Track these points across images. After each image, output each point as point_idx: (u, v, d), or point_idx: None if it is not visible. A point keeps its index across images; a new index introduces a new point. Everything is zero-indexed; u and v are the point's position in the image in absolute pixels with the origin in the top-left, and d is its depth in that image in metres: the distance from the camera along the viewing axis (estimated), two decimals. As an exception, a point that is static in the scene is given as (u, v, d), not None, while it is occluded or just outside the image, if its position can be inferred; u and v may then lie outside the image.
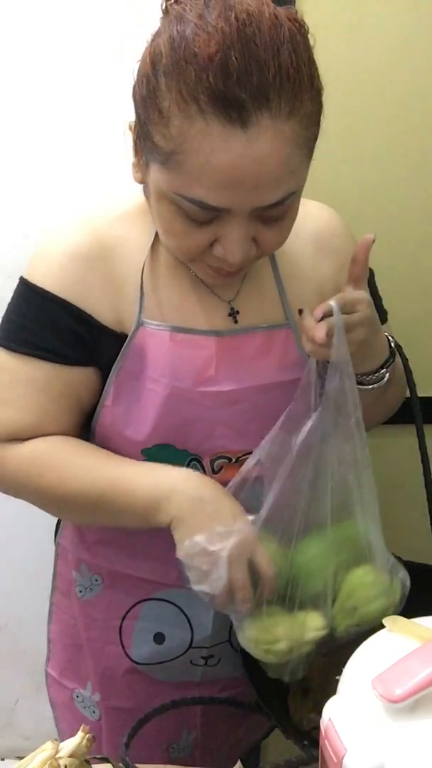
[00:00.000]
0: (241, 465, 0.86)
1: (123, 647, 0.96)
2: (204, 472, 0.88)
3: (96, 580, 0.96)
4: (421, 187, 1.33)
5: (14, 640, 1.66)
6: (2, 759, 1.71)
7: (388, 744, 0.51)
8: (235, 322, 0.87)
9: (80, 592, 0.98)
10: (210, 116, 0.65)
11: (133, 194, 0.88)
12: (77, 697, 1.01)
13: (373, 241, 0.81)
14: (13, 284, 0.88)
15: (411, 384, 0.92)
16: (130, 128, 0.76)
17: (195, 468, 0.88)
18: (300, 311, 0.80)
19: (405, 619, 0.64)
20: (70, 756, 0.69)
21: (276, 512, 0.78)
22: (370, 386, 0.85)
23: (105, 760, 0.77)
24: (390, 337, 0.88)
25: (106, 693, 0.98)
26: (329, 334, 0.75)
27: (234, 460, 0.89)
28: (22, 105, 1.31)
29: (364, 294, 0.80)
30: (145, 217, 0.86)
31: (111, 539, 0.94)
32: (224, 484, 0.86)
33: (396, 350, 0.88)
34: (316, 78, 0.71)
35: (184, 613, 0.94)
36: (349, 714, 0.54)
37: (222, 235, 0.73)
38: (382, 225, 1.33)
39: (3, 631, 1.66)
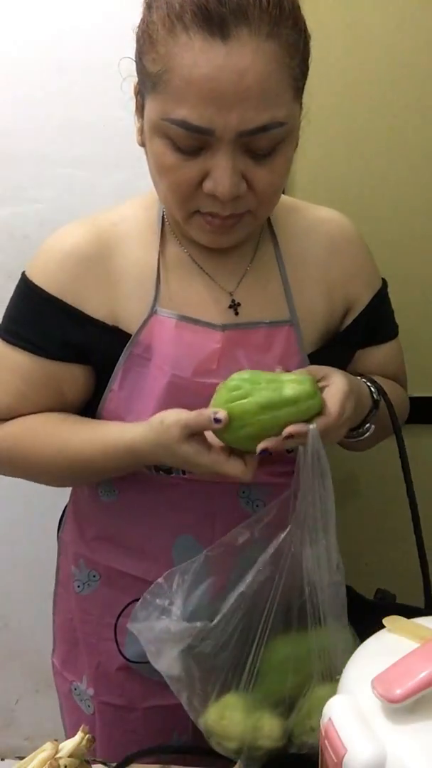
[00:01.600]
0: None
1: (117, 644, 0.96)
2: None
3: (93, 576, 0.98)
4: (421, 187, 1.33)
5: (14, 641, 1.66)
6: (2, 759, 1.71)
7: (388, 744, 0.51)
8: (236, 314, 0.88)
9: (78, 586, 0.99)
10: (193, 31, 0.69)
11: (135, 200, 0.92)
12: (75, 689, 1.02)
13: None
14: (13, 284, 0.90)
15: (394, 420, 0.90)
16: (135, 90, 0.79)
17: None
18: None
19: (405, 619, 0.64)
20: (70, 756, 0.69)
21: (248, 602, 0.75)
22: (355, 439, 0.88)
23: (104, 762, 0.77)
24: (371, 387, 0.88)
25: (99, 688, 0.98)
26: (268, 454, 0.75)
27: None
28: (22, 105, 1.31)
29: (335, 406, 0.77)
30: (148, 216, 0.89)
31: (108, 536, 0.95)
32: (224, 483, 0.86)
33: (380, 397, 0.88)
34: (299, 15, 0.74)
35: None
36: (349, 714, 0.54)
37: (210, 167, 0.74)
38: (382, 225, 1.33)
39: (3, 631, 1.66)
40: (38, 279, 0.87)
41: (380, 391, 0.89)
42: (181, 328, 0.86)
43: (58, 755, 0.68)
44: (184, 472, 0.89)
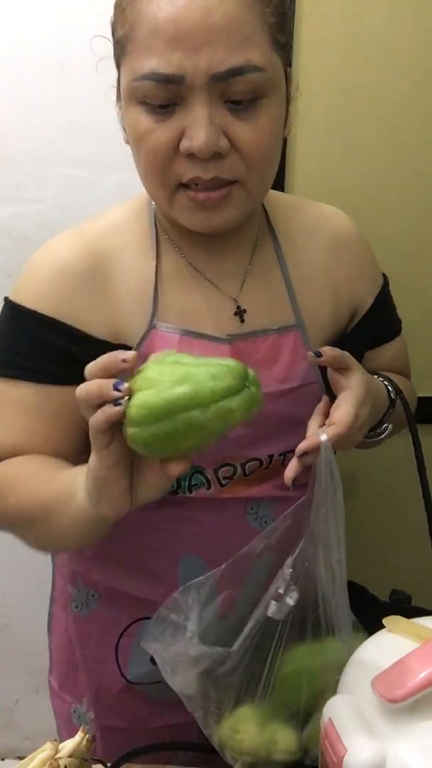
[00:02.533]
0: (246, 475, 0.84)
1: (119, 666, 0.92)
2: (208, 483, 0.84)
3: (92, 596, 0.93)
4: (421, 187, 1.33)
5: (14, 640, 1.66)
6: (2, 759, 1.71)
7: (388, 744, 0.51)
8: (242, 321, 0.84)
9: (76, 607, 0.94)
10: None
11: (126, 204, 0.87)
12: (74, 712, 0.98)
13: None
14: (13, 284, 0.86)
15: (411, 421, 0.88)
16: (116, 92, 0.77)
17: (197, 479, 0.84)
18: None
19: (405, 619, 0.64)
20: (70, 756, 0.69)
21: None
22: (372, 440, 0.86)
23: (104, 762, 0.77)
24: (388, 387, 0.86)
25: (99, 712, 0.95)
26: (297, 475, 0.73)
27: (239, 468, 0.85)
28: (22, 105, 1.31)
29: (348, 414, 0.75)
30: (139, 220, 0.84)
31: (108, 554, 0.89)
32: (232, 499, 0.84)
33: (396, 396, 0.86)
34: None
35: None
36: (349, 714, 0.54)
37: (187, 124, 0.70)
38: (382, 225, 1.33)
39: (3, 631, 1.66)
40: (30, 301, 0.80)
41: (397, 390, 0.87)
42: (185, 344, 0.80)
43: (58, 755, 0.68)
44: (190, 490, 0.84)
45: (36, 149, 1.33)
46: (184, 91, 0.69)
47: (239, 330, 0.83)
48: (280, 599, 0.71)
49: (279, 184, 1.28)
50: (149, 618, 0.87)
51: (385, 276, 0.99)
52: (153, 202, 0.84)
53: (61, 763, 0.67)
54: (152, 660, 0.88)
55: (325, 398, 0.81)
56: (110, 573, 0.91)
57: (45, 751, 0.68)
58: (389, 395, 0.86)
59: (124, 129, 0.77)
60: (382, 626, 0.65)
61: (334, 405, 0.78)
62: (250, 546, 0.76)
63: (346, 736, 0.52)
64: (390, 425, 0.87)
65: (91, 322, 0.80)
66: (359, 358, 0.93)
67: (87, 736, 0.71)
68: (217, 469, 0.84)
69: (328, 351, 0.77)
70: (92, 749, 0.71)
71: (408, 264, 1.35)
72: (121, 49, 0.72)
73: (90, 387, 0.59)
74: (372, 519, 1.41)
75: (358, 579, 0.85)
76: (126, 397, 0.58)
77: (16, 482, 0.78)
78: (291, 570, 0.72)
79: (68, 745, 0.70)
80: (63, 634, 0.98)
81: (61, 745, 0.69)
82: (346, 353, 0.79)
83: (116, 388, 0.58)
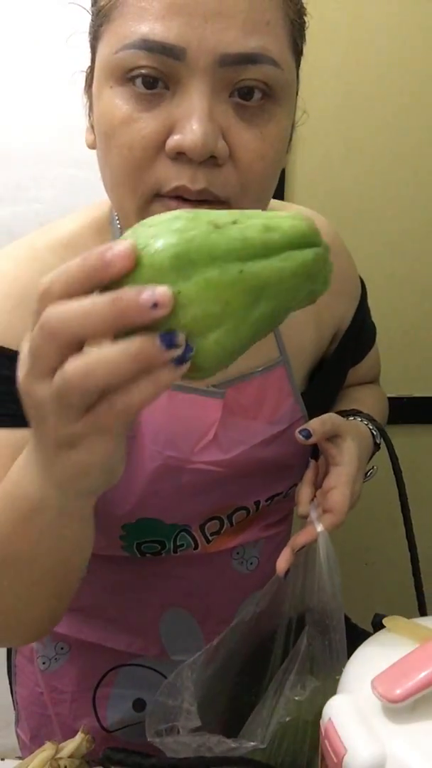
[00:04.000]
0: (232, 526, 0.80)
1: (98, 719, 0.84)
2: (195, 541, 0.78)
3: (62, 649, 0.83)
4: (421, 187, 1.33)
5: (14, 641, 1.65)
6: (2, 759, 1.71)
7: (388, 744, 0.51)
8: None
9: (43, 663, 0.85)
10: None
11: (83, 215, 0.75)
12: None
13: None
14: None
15: (394, 462, 0.83)
16: (86, 73, 0.64)
17: (183, 539, 0.77)
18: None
19: (405, 619, 0.64)
20: (70, 756, 0.69)
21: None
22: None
23: (103, 763, 0.76)
24: (373, 431, 0.81)
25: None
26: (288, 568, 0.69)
27: (225, 521, 0.79)
28: (22, 105, 1.31)
29: (345, 498, 0.71)
30: (101, 237, 0.71)
31: (80, 607, 0.80)
32: (216, 553, 0.79)
33: (381, 440, 0.82)
34: None
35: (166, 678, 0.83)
36: (349, 714, 0.54)
37: (177, 117, 0.55)
38: (382, 225, 1.33)
39: (3, 631, 1.66)
40: None
41: (381, 431, 0.82)
42: (174, 401, 0.70)
43: (58, 755, 0.68)
44: (175, 551, 0.77)
45: (36, 149, 1.33)
46: (182, 72, 0.54)
47: (225, 377, 0.73)
48: (297, 694, 0.69)
49: (279, 185, 1.28)
50: (128, 665, 0.83)
51: (362, 281, 0.91)
52: (117, 221, 0.72)
53: (61, 763, 0.67)
54: (134, 707, 0.84)
55: (313, 463, 0.77)
56: (81, 626, 0.82)
57: (45, 751, 0.68)
58: (374, 440, 0.82)
59: (91, 126, 0.63)
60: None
61: (326, 483, 0.72)
62: (238, 618, 0.74)
63: (346, 736, 0.52)
64: (376, 467, 0.83)
65: None
66: (343, 377, 0.89)
67: (87, 736, 0.71)
68: (203, 525, 0.78)
69: (318, 428, 0.71)
70: (92, 749, 0.71)
71: (408, 264, 1.35)
72: (104, 17, 0.57)
73: (113, 355, 0.37)
74: (367, 519, 1.41)
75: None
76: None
77: None
78: (300, 664, 0.70)
79: (68, 746, 0.70)
80: (32, 689, 0.89)
81: (61, 746, 0.69)
82: (335, 420, 0.73)
83: (172, 344, 0.37)
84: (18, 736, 0.94)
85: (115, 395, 0.38)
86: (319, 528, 0.69)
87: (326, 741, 0.54)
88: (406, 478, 0.82)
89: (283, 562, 0.69)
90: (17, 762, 0.69)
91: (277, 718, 0.69)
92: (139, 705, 0.84)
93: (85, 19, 0.63)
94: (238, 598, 0.83)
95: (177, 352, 0.37)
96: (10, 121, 1.32)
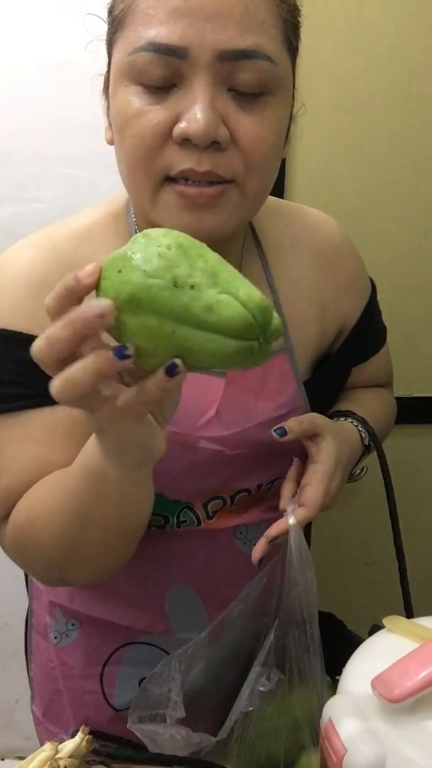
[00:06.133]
0: (234, 506, 0.82)
1: (105, 696, 0.87)
2: (197, 518, 0.81)
3: (72, 624, 0.88)
4: (421, 187, 1.33)
5: (15, 640, 1.65)
6: (2, 759, 1.71)
7: (388, 744, 0.51)
8: None
9: (55, 638, 0.89)
10: None
11: (100, 208, 0.79)
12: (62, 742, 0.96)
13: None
14: None
15: (383, 463, 0.84)
16: (104, 79, 0.72)
17: (186, 516, 0.80)
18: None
19: (405, 619, 0.64)
20: (70, 757, 0.69)
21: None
22: (349, 482, 0.84)
23: (103, 763, 0.76)
24: (362, 433, 0.83)
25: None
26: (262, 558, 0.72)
27: (228, 500, 0.82)
28: (22, 105, 1.31)
29: (318, 494, 0.74)
30: (117, 230, 0.76)
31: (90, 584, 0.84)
32: (220, 530, 0.81)
33: (371, 442, 0.84)
34: None
35: None
36: (349, 714, 0.54)
37: (183, 108, 0.62)
38: (382, 225, 1.33)
39: (4, 631, 1.66)
40: (10, 323, 0.71)
41: (371, 434, 0.83)
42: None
43: (58, 756, 0.68)
44: (178, 526, 0.80)
45: (36, 149, 1.33)
46: (186, 69, 0.62)
47: None
48: (262, 684, 0.71)
49: (279, 184, 1.28)
50: (135, 643, 0.86)
51: (373, 283, 0.93)
52: (132, 212, 0.77)
53: (61, 763, 0.67)
54: (140, 684, 0.85)
55: (296, 461, 0.79)
56: (92, 602, 0.86)
57: (45, 751, 0.68)
58: (363, 442, 0.83)
59: (109, 124, 0.70)
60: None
61: (303, 479, 0.75)
62: (228, 611, 0.76)
63: (346, 736, 0.52)
64: (366, 468, 0.85)
65: None
66: (346, 376, 0.91)
67: (87, 737, 0.71)
68: (206, 503, 0.81)
69: (295, 427, 0.74)
70: (92, 749, 0.71)
71: (408, 264, 1.35)
72: (117, 25, 0.65)
73: (75, 375, 0.46)
74: (367, 519, 1.41)
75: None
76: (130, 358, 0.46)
77: (34, 509, 0.69)
78: (266, 656, 0.71)
79: (68, 746, 0.69)
80: (46, 663, 0.93)
81: (61, 746, 0.69)
82: (314, 419, 0.76)
83: (122, 355, 0.46)
84: (33, 713, 0.98)
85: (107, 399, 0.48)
86: (291, 520, 0.72)
87: (326, 741, 0.54)
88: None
89: (257, 551, 0.73)
90: (17, 762, 0.69)
91: (239, 708, 0.70)
92: None
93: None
94: (242, 579, 0.83)
95: (127, 364, 0.46)
96: (10, 121, 1.32)
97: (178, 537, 0.81)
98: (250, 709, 0.69)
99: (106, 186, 1.33)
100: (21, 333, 0.70)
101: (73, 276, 0.47)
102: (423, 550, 1.37)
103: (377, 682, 0.53)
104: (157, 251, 0.46)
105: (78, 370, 0.46)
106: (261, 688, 0.70)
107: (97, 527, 0.64)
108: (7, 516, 0.73)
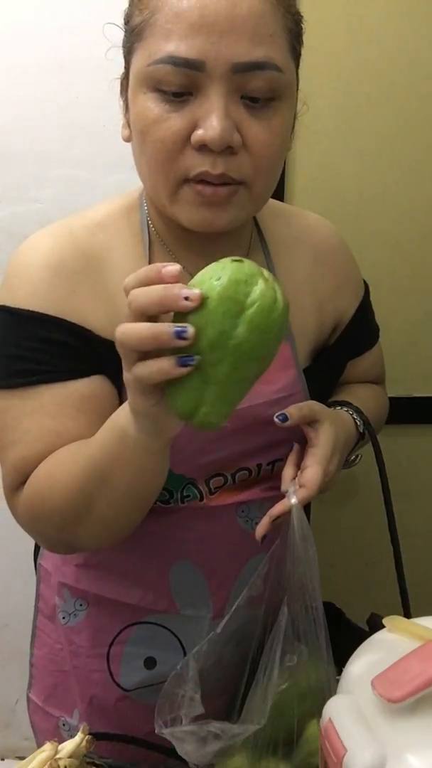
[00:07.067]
0: (236, 484, 0.85)
1: (111, 675, 0.90)
2: (200, 494, 0.84)
3: (80, 605, 0.91)
4: (421, 187, 1.33)
5: (15, 640, 1.66)
6: (2, 759, 1.71)
7: (388, 744, 0.51)
8: None
9: (63, 618, 0.93)
10: None
11: (115, 200, 0.85)
12: (63, 725, 0.95)
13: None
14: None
15: (378, 453, 0.89)
16: (122, 79, 0.76)
17: (190, 491, 0.84)
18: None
19: (405, 619, 0.64)
20: (70, 757, 0.68)
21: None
22: (344, 468, 0.87)
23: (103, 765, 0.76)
24: (356, 420, 0.88)
25: (93, 722, 0.89)
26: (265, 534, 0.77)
27: (229, 477, 0.85)
28: (22, 105, 1.31)
29: (317, 475, 0.78)
30: (130, 222, 0.82)
31: (96, 563, 0.88)
32: (222, 507, 0.84)
33: (365, 430, 0.88)
34: None
35: (176, 636, 0.89)
36: (349, 714, 0.54)
37: (200, 116, 0.68)
38: (382, 225, 1.33)
39: (3, 631, 1.66)
40: (29, 303, 0.76)
41: (366, 422, 0.88)
42: None
43: (58, 756, 0.68)
44: (182, 500, 0.83)
45: (36, 149, 1.33)
46: (202, 80, 0.67)
47: None
48: (289, 660, 0.73)
49: (279, 183, 1.28)
50: (140, 623, 0.89)
51: (366, 284, 0.99)
52: (145, 205, 0.82)
53: (61, 763, 0.67)
54: (146, 665, 0.90)
55: (296, 447, 0.83)
56: (99, 581, 0.89)
57: (45, 751, 0.68)
58: (358, 429, 0.88)
59: (127, 123, 0.75)
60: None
61: (303, 463, 0.79)
62: (237, 603, 0.78)
63: (346, 736, 0.52)
64: (360, 455, 0.89)
65: (92, 321, 0.77)
66: (342, 368, 0.96)
67: (87, 736, 0.71)
68: (209, 480, 0.84)
69: (295, 413, 0.79)
70: (92, 749, 0.71)
71: (408, 264, 1.35)
72: (137, 36, 0.70)
73: (140, 331, 0.55)
74: (367, 519, 1.41)
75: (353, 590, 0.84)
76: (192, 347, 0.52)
77: (54, 473, 0.74)
78: (284, 632, 0.73)
79: (68, 746, 0.69)
80: (50, 647, 0.96)
81: (61, 746, 0.69)
82: (313, 406, 0.81)
83: (180, 336, 0.53)
84: (29, 702, 1.00)
85: (139, 364, 0.57)
86: (293, 500, 0.75)
87: (326, 741, 0.54)
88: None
89: (261, 529, 0.78)
90: (17, 762, 0.69)
91: (273, 689, 0.71)
92: (149, 662, 0.90)
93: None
94: (244, 557, 0.88)
95: (184, 343, 0.53)
96: (10, 121, 1.32)
97: (181, 513, 0.84)
98: (285, 686, 0.71)
99: (106, 186, 1.33)
100: (38, 313, 0.76)
101: (173, 286, 0.55)
102: (423, 550, 1.37)
103: (377, 682, 0.53)
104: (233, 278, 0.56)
105: (146, 326, 0.55)
106: (289, 664, 0.72)
107: (112, 487, 0.70)
108: (22, 484, 0.77)
